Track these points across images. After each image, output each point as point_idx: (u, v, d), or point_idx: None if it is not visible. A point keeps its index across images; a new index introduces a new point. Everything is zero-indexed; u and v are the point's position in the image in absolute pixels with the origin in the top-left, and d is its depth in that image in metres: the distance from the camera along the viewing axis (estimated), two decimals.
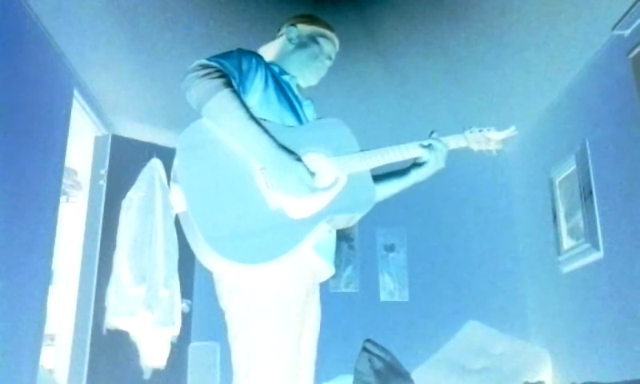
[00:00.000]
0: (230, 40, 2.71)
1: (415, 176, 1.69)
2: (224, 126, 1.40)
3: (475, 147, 1.66)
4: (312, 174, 1.42)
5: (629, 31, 2.56)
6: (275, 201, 1.39)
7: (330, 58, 1.80)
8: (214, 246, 1.30)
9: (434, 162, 1.64)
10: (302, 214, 1.41)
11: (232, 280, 1.42)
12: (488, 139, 1.64)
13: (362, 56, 3.00)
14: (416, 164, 1.68)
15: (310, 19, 1.82)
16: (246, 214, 1.36)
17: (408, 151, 1.62)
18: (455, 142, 1.66)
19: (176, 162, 1.37)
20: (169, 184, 1.43)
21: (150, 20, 2.68)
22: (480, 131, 1.64)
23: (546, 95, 3.43)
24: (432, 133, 1.67)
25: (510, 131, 1.65)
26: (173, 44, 2.87)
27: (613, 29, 2.59)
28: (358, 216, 1.53)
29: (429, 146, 1.62)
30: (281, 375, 1.33)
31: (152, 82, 3.27)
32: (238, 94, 1.42)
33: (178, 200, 1.37)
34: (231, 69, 1.48)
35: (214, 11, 2.63)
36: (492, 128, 1.65)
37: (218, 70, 1.43)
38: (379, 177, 1.67)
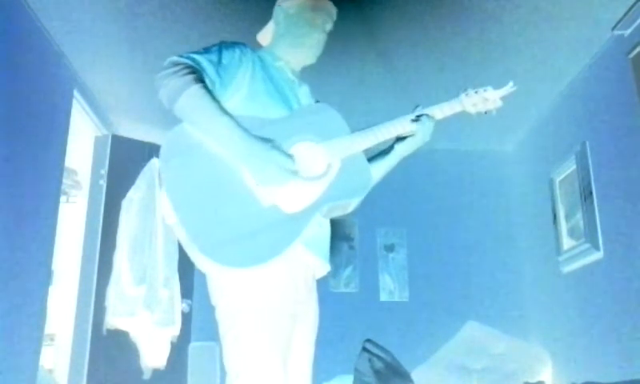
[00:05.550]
0: (230, 40, 2.70)
1: (400, 151, 1.62)
2: (195, 124, 1.36)
3: (472, 110, 1.58)
4: (290, 156, 1.36)
5: (629, 31, 2.56)
6: (268, 198, 1.35)
7: (324, 31, 1.68)
8: (211, 255, 1.28)
9: (420, 136, 1.57)
10: (298, 207, 1.36)
11: (221, 278, 1.39)
12: (485, 99, 1.57)
13: (362, 56, 3.00)
14: (399, 138, 1.61)
15: None
16: (240, 216, 1.32)
17: (401, 126, 1.55)
18: (450, 108, 1.58)
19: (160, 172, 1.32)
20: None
21: (149, 20, 2.68)
22: (476, 93, 1.58)
23: (546, 95, 3.43)
24: (417, 106, 1.60)
25: (509, 87, 1.58)
26: (173, 44, 2.87)
27: (613, 29, 2.59)
28: (355, 201, 1.48)
29: (417, 120, 1.55)
30: (270, 373, 1.31)
31: (152, 82, 3.24)
32: (208, 90, 1.36)
33: (169, 211, 1.32)
34: (205, 64, 1.43)
35: (214, 11, 2.63)
36: (489, 87, 1.59)
37: (188, 66, 1.38)
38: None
